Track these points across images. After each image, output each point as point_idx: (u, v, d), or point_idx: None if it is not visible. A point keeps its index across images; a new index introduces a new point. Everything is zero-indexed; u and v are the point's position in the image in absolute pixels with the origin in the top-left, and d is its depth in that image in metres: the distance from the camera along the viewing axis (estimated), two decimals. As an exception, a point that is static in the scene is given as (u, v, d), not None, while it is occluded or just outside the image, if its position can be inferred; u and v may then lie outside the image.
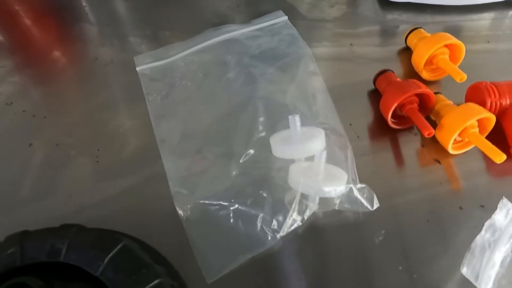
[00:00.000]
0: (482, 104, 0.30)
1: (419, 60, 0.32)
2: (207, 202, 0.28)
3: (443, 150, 0.31)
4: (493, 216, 0.26)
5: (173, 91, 0.34)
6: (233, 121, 0.31)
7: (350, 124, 0.32)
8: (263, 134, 0.30)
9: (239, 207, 0.27)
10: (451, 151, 0.30)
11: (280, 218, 0.27)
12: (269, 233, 0.26)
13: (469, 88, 0.32)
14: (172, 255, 0.26)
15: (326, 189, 0.26)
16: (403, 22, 0.39)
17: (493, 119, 0.29)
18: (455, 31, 0.38)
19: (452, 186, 0.29)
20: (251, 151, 0.30)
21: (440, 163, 0.30)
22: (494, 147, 0.28)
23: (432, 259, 0.26)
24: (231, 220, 0.27)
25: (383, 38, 0.38)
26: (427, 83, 0.34)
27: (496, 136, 0.30)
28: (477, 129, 0.29)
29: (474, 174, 0.30)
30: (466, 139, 0.29)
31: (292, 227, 0.27)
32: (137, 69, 0.35)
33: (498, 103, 0.30)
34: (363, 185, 0.28)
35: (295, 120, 0.28)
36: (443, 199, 0.29)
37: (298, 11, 0.40)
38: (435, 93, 0.31)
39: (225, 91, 0.33)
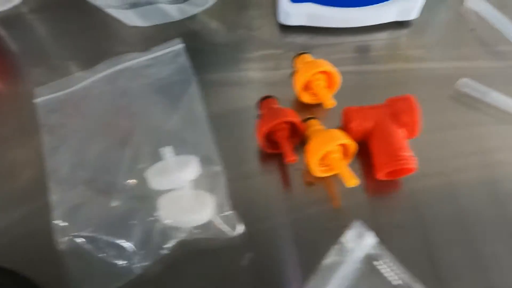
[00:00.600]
0: (348, 128, 0.32)
1: (296, 85, 0.34)
2: (83, 234, 0.29)
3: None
4: (342, 238, 0.28)
5: (68, 122, 0.35)
6: (119, 152, 0.33)
7: (233, 149, 0.34)
8: (144, 164, 0.32)
9: (111, 238, 0.28)
10: (318, 175, 0.31)
11: (148, 247, 0.28)
12: (136, 262, 0.28)
13: (342, 113, 0.34)
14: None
15: (190, 218, 0.28)
16: (298, 46, 0.40)
17: (352, 144, 0.30)
18: (347, 52, 0.40)
19: (323, 207, 0.31)
20: (133, 182, 0.31)
21: (313, 185, 0.32)
22: (349, 172, 0.29)
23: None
24: (105, 251, 0.28)
25: (277, 62, 0.39)
26: (311, 106, 0.36)
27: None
28: (337, 155, 0.30)
29: (348, 195, 0.31)
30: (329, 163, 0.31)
31: (159, 256, 0.28)
32: (36, 100, 0.36)
33: (362, 127, 0.32)
34: (230, 212, 0.30)
35: (165, 152, 0.30)
36: (311, 220, 0.31)
37: (199, 37, 0.41)
38: (310, 118, 0.33)
39: (115, 122, 0.34)
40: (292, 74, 0.36)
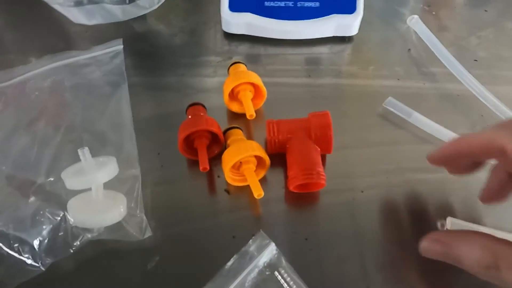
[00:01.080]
0: (267, 139, 0.33)
1: (224, 92, 0.35)
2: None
3: (234, 181, 0.33)
4: (245, 247, 0.29)
5: (-2, 117, 0.36)
6: (43, 149, 0.33)
7: (158, 153, 0.35)
8: (65, 163, 0.32)
9: (19, 234, 0.29)
10: (232, 183, 0.32)
11: (55, 245, 0.29)
12: (40, 259, 0.28)
13: (266, 124, 0.34)
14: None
15: (99, 219, 0.29)
16: (237, 54, 0.41)
17: (265, 157, 0.31)
18: (285, 64, 0.40)
19: (233, 216, 0.32)
20: (52, 179, 0.32)
21: (229, 193, 0.33)
22: (256, 184, 0.30)
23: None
24: (11, 246, 0.28)
25: (214, 69, 0.40)
26: (241, 116, 0.36)
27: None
28: (250, 165, 0.31)
29: (255, 205, 0.32)
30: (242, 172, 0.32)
31: (66, 254, 0.29)
32: (-32, 93, 0.37)
33: (278, 140, 0.33)
34: (141, 215, 0.30)
35: (84, 153, 0.30)
36: (222, 228, 0.31)
37: (142, 39, 0.42)
38: (232, 128, 0.34)
39: (43, 118, 0.35)
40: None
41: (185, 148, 0.33)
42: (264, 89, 0.34)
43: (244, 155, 0.31)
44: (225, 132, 0.34)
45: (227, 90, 0.34)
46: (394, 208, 0.33)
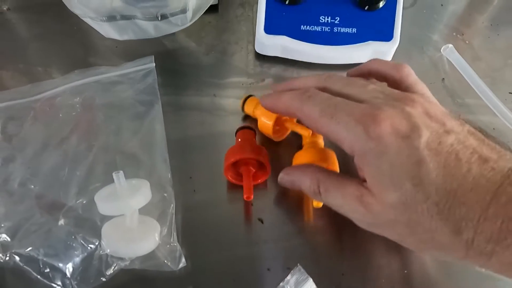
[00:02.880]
0: None
1: (268, 128, 0.34)
2: (24, 252, 0.29)
3: (268, 210, 0.33)
4: (282, 283, 0.28)
5: (27, 132, 0.35)
6: (73, 169, 0.32)
7: (191, 177, 0.34)
8: (96, 185, 0.31)
9: (51, 260, 0.28)
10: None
11: (87, 273, 0.28)
12: (73, 286, 0.28)
13: None
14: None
15: (133, 249, 0.28)
16: (269, 76, 0.40)
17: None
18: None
19: (267, 246, 0.31)
20: (83, 202, 0.31)
21: (263, 222, 0.32)
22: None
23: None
24: (41, 271, 0.28)
25: (247, 90, 0.39)
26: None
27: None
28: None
29: (290, 236, 0.31)
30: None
31: (98, 283, 0.28)
32: (-3, 106, 0.36)
33: None
34: (175, 244, 0.29)
35: (119, 177, 0.30)
36: (256, 259, 0.30)
37: (174, 57, 0.41)
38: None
39: (74, 136, 0.34)
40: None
41: (230, 172, 0.33)
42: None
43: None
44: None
45: (270, 121, 0.33)
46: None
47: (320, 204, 0.31)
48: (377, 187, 0.24)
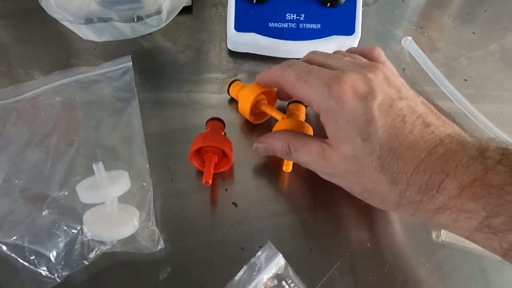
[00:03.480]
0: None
1: (244, 108, 0.36)
2: (9, 241, 0.30)
3: (241, 195, 0.35)
4: (253, 258, 0.30)
5: (11, 130, 0.36)
6: (55, 163, 0.34)
7: (168, 168, 0.36)
8: (78, 177, 0.33)
9: (35, 247, 0.30)
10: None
11: (70, 257, 0.30)
12: (56, 272, 0.29)
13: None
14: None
15: (113, 232, 0.30)
16: (242, 71, 0.43)
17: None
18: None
19: (241, 228, 0.33)
20: (65, 193, 0.33)
21: (236, 206, 0.34)
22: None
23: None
24: (26, 258, 0.29)
25: (220, 86, 0.41)
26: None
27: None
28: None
29: (262, 217, 0.34)
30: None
31: (81, 266, 0.30)
32: (-19, 107, 0.38)
33: None
34: (153, 228, 0.32)
35: (98, 168, 0.32)
36: (231, 240, 0.33)
37: (151, 56, 0.43)
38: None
39: (55, 133, 0.36)
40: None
41: (195, 158, 0.35)
42: (275, 92, 0.37)
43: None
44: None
45: (249, 104, 0.36)
46: (391, 220, 0.35)
47: (290, 169, 0.34)
48: (335, 142, 0.27)
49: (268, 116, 0.39)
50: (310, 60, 0.32)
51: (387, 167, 0.26)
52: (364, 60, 0.31)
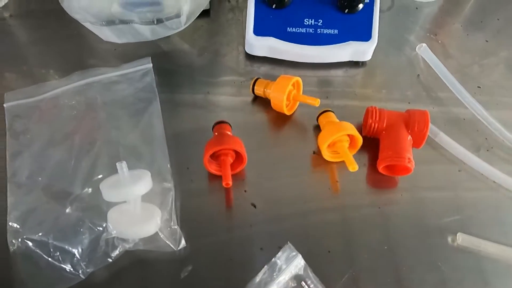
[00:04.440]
0: (366, 122, 0.38)
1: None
2: (34, 237, 0.31)
3: (260, 196, 0.35)
4: (274, 258, 0.31)
5: (34, 129, 0.37)
6: (78, 161, 0.35)
7: (188, 168, 0.37)
8: (101, 176, 0.34)
9: (60, 243, 0.30)
10: (326, 158, 0.37)
11: (94, 255, 0.30)
12: (82, 268, 0.30)
13: (366, 110, 0.39)
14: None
15: (137, 231, 0.31)
16: (259, 74, 0.43)
17: (359, 138, 0.36)
18: (304, 85, 0.42)
19: (260, 228, 0.34)
20: (88, 191, 0.33)
21: (255, 207, 0.35)
22: (351, 158, 0.35)
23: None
24: (53, 255, 0.30)
25: (238, 89, 0.42)
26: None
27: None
28: (346, 143, 0.36)
29: (281, 218, 0.34)
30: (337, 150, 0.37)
31: (104, 264, 0.30)
32: (5, 105, 0.38)
33: (377, 124, 0.37)
34: (175, 227, 0.32)
35: (122, 167, 0.32)
36: (250, 240, 0.33)
37: (169, 58, 0.44)
38: (325, 111, 0.39)
39: (78, 132, 0.37)
40: (253, 101, 0.39)
41: (210, 164, 0.35)
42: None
43: (343, 132, 0.35)
44: (319, 116, 0.39)
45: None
46: (408, 223, 0.35)
47: (356, 168, 0.34)
48: None
49: (297, 103, 0.40)
50: None
51: None
52: None
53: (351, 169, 0.34)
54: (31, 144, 0.36)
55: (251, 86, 0.40)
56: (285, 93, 0.37)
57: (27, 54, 0.44)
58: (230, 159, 0.35)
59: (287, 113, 0.39)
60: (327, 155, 0.37)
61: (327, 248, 0.33)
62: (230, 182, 0.33)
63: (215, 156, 0.35)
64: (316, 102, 0.38)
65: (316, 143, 0.39)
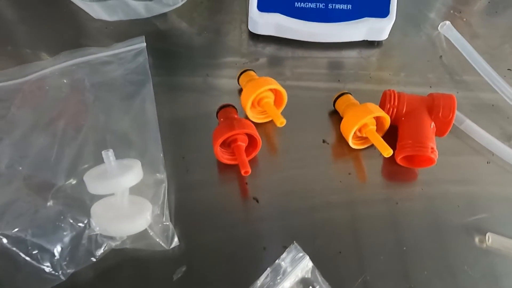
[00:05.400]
0: (383, 107, 0.34)
1: (244, 101, 0.33)
2: (10, 233, 0.28)
3: (263, 189, 0.32)
4: (278, 260, 0.27)
5: (16, 113, 0.34)
6: (63, 149, 0.32)
7: (183, 158, 0.33)
8: (86, 165, 0.31)
9: (39, 241, 0.27)
10: (352, 146, 0.33)
11: (77, 254, 0.27)
12: (63, 268, 0.27)
13: (383, 93, 0.35)
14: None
15: (124, 227, 0.27)
16: (264, 55, 0.39)
17: (387, 118, 0.32)
18: (313, 67, 0.39)
19: (263, 225, 0.30)
20: (72, 182, 0.30)
21: (258, 201, 0.31)
22: (384, 143, 0.31)
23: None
24: (29, 252, 0.27)
25: (240, 70, 0.38)
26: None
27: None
28: (374, 127, 0.32)
29: (286, 214, 0.31)
30: (364, 135, 0.33)
31: (88, 263, 0.27)
32: (-15, 87, 0.35)
33: (395, 109, 0.33)
34: (167, 223, 0.29)
35: (108, 155, 0.29)
36: (252, 238, 0.30)
37: (165, 37, 0.40)
38: (343, 94, 0.35)
39: (63, 117, 0.33)
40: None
41: (221, 153, 0.32)
42: (285, 94, 0.33)
43: (371, 115, 0.31)
44: (239, 76, 0.35)
45: (248, 101, 0.32)
46: (430, 221, 0.31)
47: (391, 152, 0.31)
48: None
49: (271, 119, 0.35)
50: None
51: None
52: None
53: (386, 155, 0.31)
54: (12, 130, 0.32)
55: (237, 76, 0.36)
56: (248, 100, 0.32)
57: (12, 33, 0.41)
58: (243, 144, 0.31)
59: (254, 119, 0.34)
60: (353, 142, 0.33)
61: (337, 248, 0.29)
62: (249, 169, 0.30)
63: (225, 144, 0.32)
64: (279, 122, 0.32)
65: (326, 131, 0.35)
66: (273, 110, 0.32)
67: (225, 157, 0.32)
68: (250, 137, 0.32)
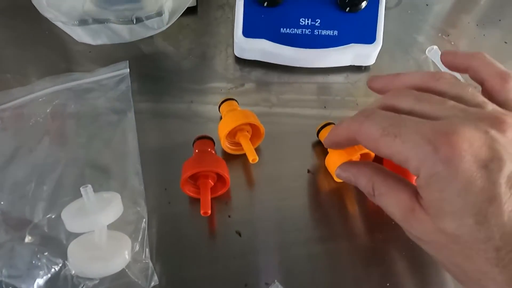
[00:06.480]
0: None
1: (220, 132, 0.32)
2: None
3: (246, 222, 0.31)
4: (259, 301, 0.27)
5: (-7, 143, 0.33)
6: (40, 183, 0.31)
7: (165, 189, 0.32)
8: (66, 198, 0.30)
9: (12, 280, 0.26)
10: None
11: (52, 294, 0.27)
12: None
13: None
14: None
15: (101, 268, 0.26)
16: (249, 80, 0.39)
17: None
18: (299, 93, 0.39)
19: (245, 261, 0.30)
20: (52, 216, 0.29)
21: (240, 235, 0.31)
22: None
23: None
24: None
25: (225, 96, 0.37)
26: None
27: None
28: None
29: (269, 249, 0.30)
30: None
31: (63, 304, 0.27)
32: (-38, 116, 0.34)
33: None
34: (146, 262, 0.28)
35: (87, 191, 0.28)
36: (233, 274, 0.29)
37: (148, 61, 0.40)
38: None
39: (40, 148, 0.32)
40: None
41: (188, 186, 0.31)
42: (262, 128, 0.32)
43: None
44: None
45: (223, 133, 0.32)
46: (414, 255, 0.31)
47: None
48: (435, 211, 0.21)
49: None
50: (394, 105, 0.24)
51: (507, 263, 0.19)
52: (478, 110, 0.22)
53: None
54: (-13, 162, 0.32)
55: (218, 104, 0.35)
56: (224, 133, 0.32)
57: (-7, 57, 0.40)
58: (210, 182, 0.30)
59: (229, 151, 0.34)
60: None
61: (324, 286, 0.29)
62: (209, 211, 0.29)
63: (194, 177, 0.31)
64: (251, 159, 0.31)
65: (312, 160, 0.34)
66: (248, 145, 0.32)
67: (191, 190, 0.31)
68: (220, 175, 0.31)
